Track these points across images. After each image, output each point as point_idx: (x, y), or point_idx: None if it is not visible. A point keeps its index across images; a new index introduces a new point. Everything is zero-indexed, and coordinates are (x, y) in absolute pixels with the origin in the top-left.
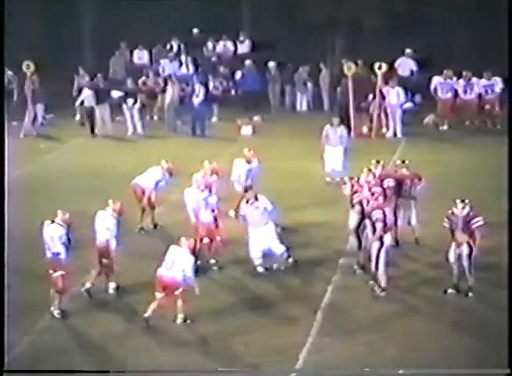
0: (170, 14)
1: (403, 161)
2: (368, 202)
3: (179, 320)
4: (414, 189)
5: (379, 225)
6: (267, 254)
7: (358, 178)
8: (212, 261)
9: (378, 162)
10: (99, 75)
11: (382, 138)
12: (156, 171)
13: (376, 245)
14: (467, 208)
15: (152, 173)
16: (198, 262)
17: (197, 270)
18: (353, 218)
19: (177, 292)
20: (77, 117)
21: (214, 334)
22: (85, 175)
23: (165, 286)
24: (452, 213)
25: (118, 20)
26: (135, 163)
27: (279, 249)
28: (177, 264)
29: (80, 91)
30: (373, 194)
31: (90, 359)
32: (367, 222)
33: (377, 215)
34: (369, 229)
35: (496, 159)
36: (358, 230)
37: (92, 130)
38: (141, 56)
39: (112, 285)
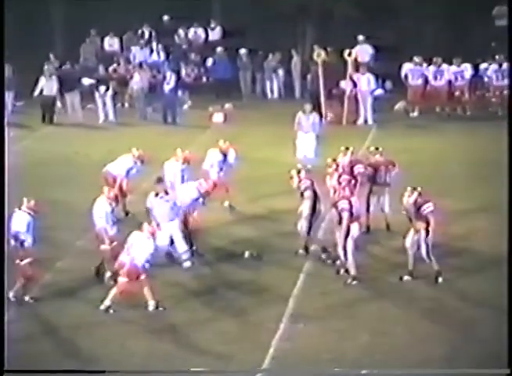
0: (141, 1)
1: (377, 148)
2: (335, 191)
3: (151, 307)
4: (389, 176)
5: (345, 215)
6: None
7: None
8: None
9: (347, 149)
10: (68, 63)
11: (353, 125)
12: (128, 158)
13: (342, 235)
14: (415, 195)
15: (123, 161)
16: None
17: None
18: (305, 206)
19: (141, 278)
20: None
21: (186, 322)
22: (56, 163)
23: (126, 271)
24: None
25: (89, 7)
26: (107, 151)
27: (181, 248)
28: (134, 249)
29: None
30: (340, 183)
31: (59, 347)
32: (333, 211)
33: (343, 205)
34: (335, 219)
35: (466, 145)
36: (312, 217)
37: (51, 119)
38: (112, 43)
39: (108, 274)
